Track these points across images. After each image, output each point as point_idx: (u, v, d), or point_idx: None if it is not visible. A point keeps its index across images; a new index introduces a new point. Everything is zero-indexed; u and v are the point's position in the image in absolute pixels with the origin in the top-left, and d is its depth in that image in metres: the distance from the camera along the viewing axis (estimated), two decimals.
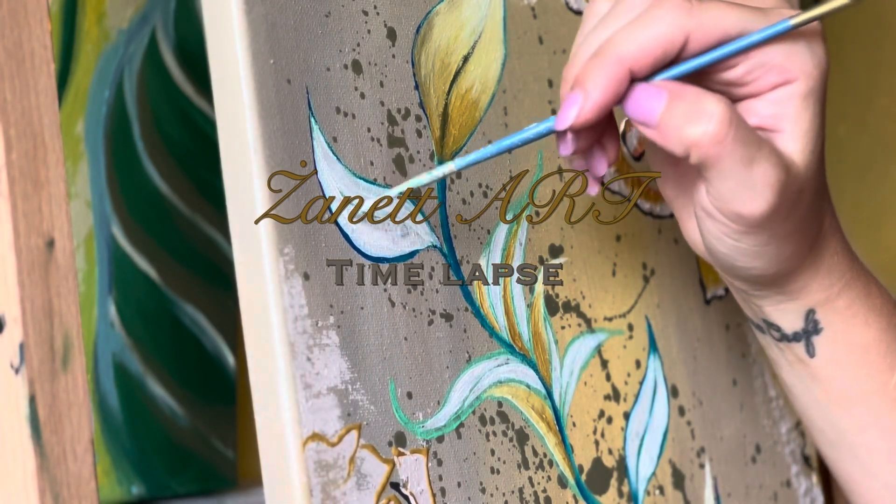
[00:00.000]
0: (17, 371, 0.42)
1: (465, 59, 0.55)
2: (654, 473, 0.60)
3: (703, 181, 0.50)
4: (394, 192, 0.50)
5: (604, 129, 0.51)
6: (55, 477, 0.42)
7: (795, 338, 0.55)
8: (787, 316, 0.55)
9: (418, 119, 0.53)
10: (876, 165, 1.36)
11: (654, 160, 0.54)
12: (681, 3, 0.48)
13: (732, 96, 0.50)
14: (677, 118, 0.48)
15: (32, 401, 0.42)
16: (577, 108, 0.48)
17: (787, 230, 0.51)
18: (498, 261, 0.55)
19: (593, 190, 0.52)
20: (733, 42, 0.49)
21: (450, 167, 0.50)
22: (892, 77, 1.35)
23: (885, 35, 1.34)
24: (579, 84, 0.48)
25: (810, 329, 0.55)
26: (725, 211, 0.50)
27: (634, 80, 0.49)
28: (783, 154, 0.50)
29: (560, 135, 0.50)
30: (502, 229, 0.56)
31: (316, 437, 0.46)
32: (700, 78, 0.50)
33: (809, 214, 0.52)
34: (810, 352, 0.55)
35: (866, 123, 1.35)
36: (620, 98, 0.49)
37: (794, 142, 0.50)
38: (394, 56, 0.53)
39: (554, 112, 0.59)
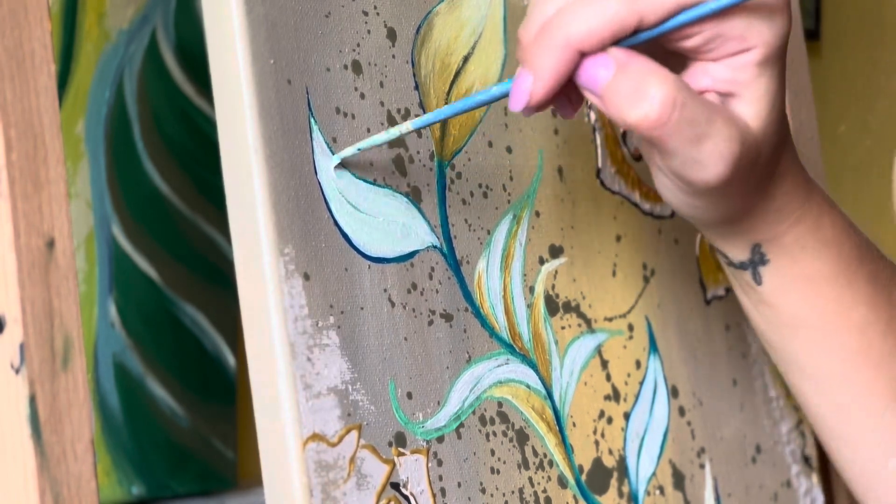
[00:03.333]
0: (17, 371, 0.42)
1: (466, 59, 0.55)
2: (654, 474, 0.60)
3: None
4: (351, 149, 0.50)
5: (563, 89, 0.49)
6: (55, 477, 0.42)
7: (742, 266, 0.56)
8: (734, 248, 0.55)
9: None
10: (876, 165, 1.36)
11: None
12: None
13: (690, 58, 0.50)
14: (620, 96, 0.47)
15: (33, 401, 0.42)
16: (528, 90, 0.47)
17: (743, 188, 0.51)
18: (498, 261, 0.55)
19: (570, 114, 0.51)
20: (687, 12, 0.47)
21: (406, 126, 0.49)
22: (893, 77, 1.35)
23: (885, 35, 1.34)
24: (528, 64, 0.47)
25: (756, 260, 0.55)
26: (674, 176, 0.50)
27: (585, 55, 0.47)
28: (738, 120, 0.49)
29: (516, 87, 0.48)
30: (502, 229, 0.56)
31: (316, 437, 0.46)
32: (657, 41, 0.48)
33: (766, 169, 0.52)
34: (757, 280, 0.56)
35: (866, 123, 1.35)
36: (571, 74, 0.48)
37: (749, 106, 0.49)
38: (394, 56, 0.53)
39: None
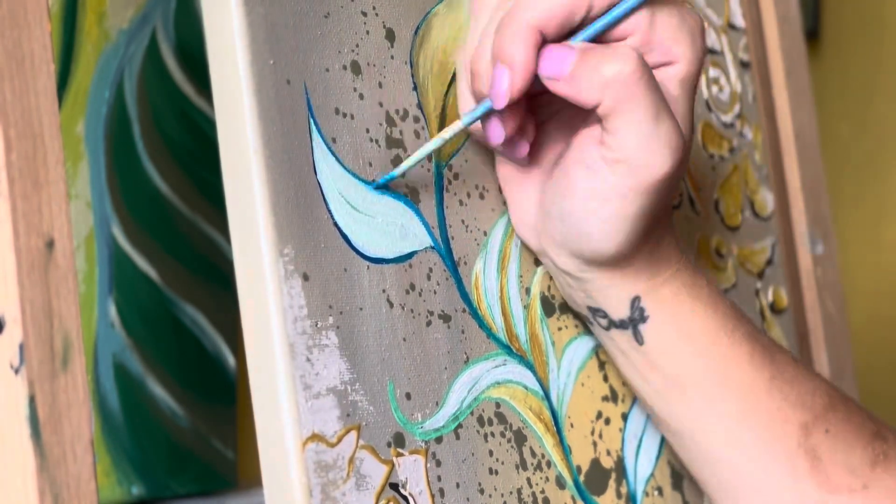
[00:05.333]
0: (16, 371, 0.42)
1: None
2: (652, 474, 0.60)
3: (603, 134, 0.50)
4: (420, 154, 0.51)
5: (523, 112, 0.52)
6: (55, 477, 0.42)
7: (622, 325, 0.55)
8: (613, 302, 0.55)
9: (416, 120, 0.53)
10: (876, 165, 1.36)
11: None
12: None
13: None
14: (591, 64, 0.49)
15: (32, 401, 0.42)
16: (508, 81, 0.49)
17: (659, 206, 0.52)
18: (495, 262, 0.55)
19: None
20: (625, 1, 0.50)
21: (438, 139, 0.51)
22: (893, 77, 1.35)
23: (885, 35, 1.34)
24: (500, 58, 0.49)
25: (636, 317, 0.55)
26: (623, 163, 0.50)
27: (545, 42, 0.50)
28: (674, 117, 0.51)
29: (489, 124, 0.52)
30: (499, 230, 0.56)
31: (315, 437, 0.46)
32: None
33: (669, 198, 0.53)
34: (639, 339, 0.55)
35: (867, 124, 1.35)
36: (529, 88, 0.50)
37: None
38: (392, 57, 0.53)
39: None
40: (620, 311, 0.55)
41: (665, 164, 0.50)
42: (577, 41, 0.50)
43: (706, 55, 0.53)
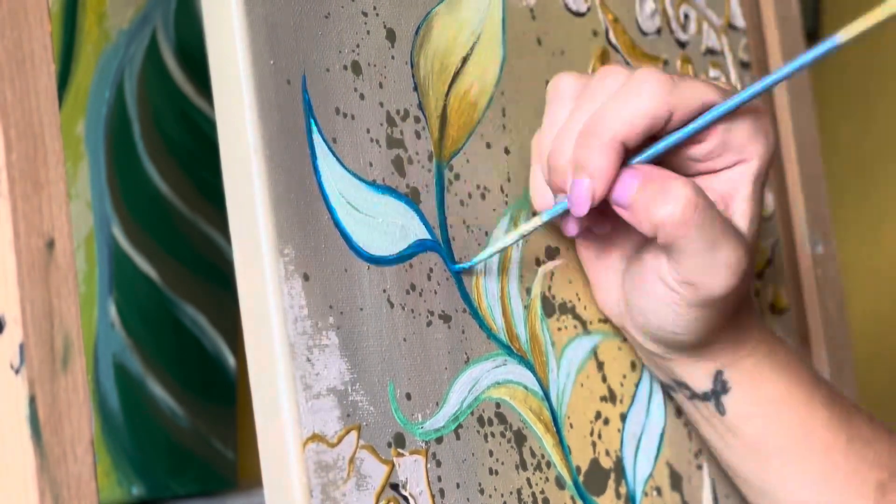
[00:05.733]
0: (17, 371, 0.42)
1: (464, 60, 0.55)
2: (651, 474, 0.60)
3: (668, 256, 0.52)
4: (509, 240, 0.53)
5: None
6: (55, 478, 0.42)
7: (705, 397, 0.57)
8: (696, 377, 0.57)
9: (417, 120, 0.53)
10: (876, 165, 1.36)
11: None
12: (663, 77, 0.50)
13: (693, 172, 0.53)
14: (646, 199, 0.50)
15: (32, 401, 0.42)
16: (590, 191, 0.50)
17: (731, 306, 0.53)
18: (495, 262, 0.55)
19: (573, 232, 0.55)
20: (711, 111, 0.51)
21: (527, 228, 0.54)
22: (893, 77, 1.35)
23: (885, 35, 1.34)
24: (582, 168, 0.50)
25: (719, 389, 0.57)
26: (685, 285, 0.52)
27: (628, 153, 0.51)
28: (741, 235, 0.52)
29: (565, 221, 0.54)
30: (500, 231, 0.56)
31: (316, 437, 0.46)
32: (671, 154, 0.52)
33: (744, 293, 0.55)
34: (721, 410, 0.57)
35: (867, 124, 1.35)
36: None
37: (743, 220, 0.53)
38: (393, 57, 0.53)
39: None
40: (703, 384, 0.57)
41: (728, 283, 0.51)
42: (648, 155, 0.51)
43: (776, 144, 0.54)
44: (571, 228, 0.54)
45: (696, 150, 0.52)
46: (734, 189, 0.53)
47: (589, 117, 0.51)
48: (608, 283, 0.57)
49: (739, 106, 0.51)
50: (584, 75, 0.54)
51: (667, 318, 0.54)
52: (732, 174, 0.53)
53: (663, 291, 0.53)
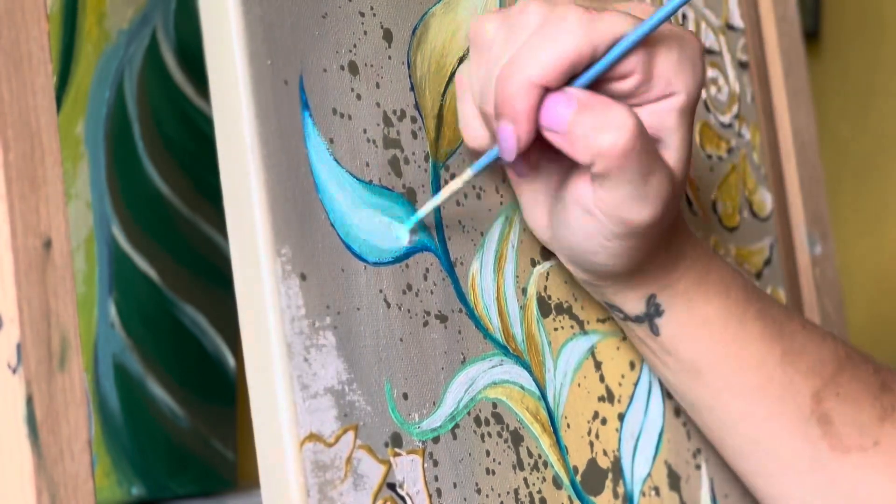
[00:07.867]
0: (14, 371, 0.42)
1: (461, 60, 0.55)
2: (649, 474, 0.60)
3: (593, 184, 0.51)
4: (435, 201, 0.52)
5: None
6: (52, 477, 0.42)
7: (638, 320, 0.57)
8: (629, 301, 0.57)
9: (414, 120, 0.53)
10: (876, 165, 1.36)
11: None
12: (583, 15, 0.49)
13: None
14: (585, 127, 0.49)
15: (30, 401, 0.42)
16: (514, 138, 0.50)
17: (658, 235, 0.53)
18: (491, 263, 0.55)
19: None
20: (621, 41, 0.49)
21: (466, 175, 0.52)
22: (893, 77, 1.35)
23: (885, 35, 1.34)
24: (505, 116, 0.49)
25: (652, 312, 0.57)
26: (611, 215, 0.51)
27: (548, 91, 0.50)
28: (668, 166, 0.52)
29: (510, 164, 0.52)
30: (495, 231, 0.56)
31: (313, 437, 0.46)
32: (596, 88, 0.51)
33: (673, 218, 0.54)
34: (654, 331, 0.57)
35: (867, 124, 1.35)
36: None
37: (672, 151, 0.52)
38: (390, 57, 0.53)
39: None
40: (636, 308, 0.57)
41: (655, 212, 0.51)
42: (578, 85, 0.50)
43: (705, 78, 0.53)
44: (520, 171, 0.53)
45: (622, 85, 0.51)
46: (661, 122, 0.52)
47: (508, 60, 0.50)
48: (536, 207, 0.56)
49: (649, 33, 0.49)
50: (504, 12, 0.52)
51: (593, 249, 0.53)
52: (659, 107, 0.51)
53: (588, 223, 0.52)
